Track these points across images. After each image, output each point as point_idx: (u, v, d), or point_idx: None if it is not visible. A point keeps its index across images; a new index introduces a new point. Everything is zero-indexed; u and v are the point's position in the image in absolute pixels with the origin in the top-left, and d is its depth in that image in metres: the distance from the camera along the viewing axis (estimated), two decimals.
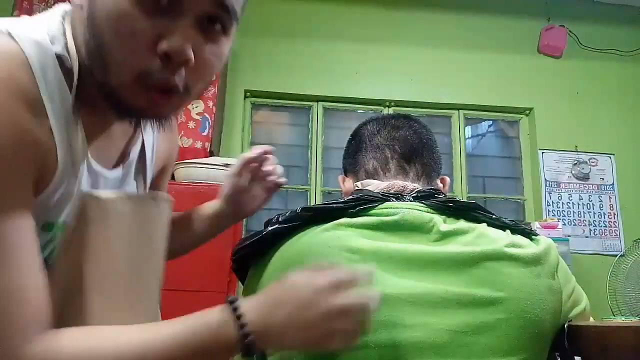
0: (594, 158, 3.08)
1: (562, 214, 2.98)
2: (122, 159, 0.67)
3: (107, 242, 0.58)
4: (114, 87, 0.52)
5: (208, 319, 0.50)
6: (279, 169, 0.88)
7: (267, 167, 0.86)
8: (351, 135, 0.86)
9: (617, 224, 3.01)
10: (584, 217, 3.00)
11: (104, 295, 0.58)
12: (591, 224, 2.99)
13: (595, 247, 2.93)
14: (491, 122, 3.24)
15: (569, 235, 2.83)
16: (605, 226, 3.00)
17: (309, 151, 3.01)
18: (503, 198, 3.08)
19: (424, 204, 0.69)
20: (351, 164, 0.83)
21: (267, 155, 0.86)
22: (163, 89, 0.53)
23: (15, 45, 0.49)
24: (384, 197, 0.69)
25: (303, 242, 0.65)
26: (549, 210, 2.96)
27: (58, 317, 0.50)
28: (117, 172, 0.65)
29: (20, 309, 0.47)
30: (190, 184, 2.11)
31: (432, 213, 0.67)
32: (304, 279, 0.52)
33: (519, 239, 0.67)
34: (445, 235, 0.65)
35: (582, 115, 3.11)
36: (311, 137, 3.03)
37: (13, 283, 0.46)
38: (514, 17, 3.25)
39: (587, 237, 2.96)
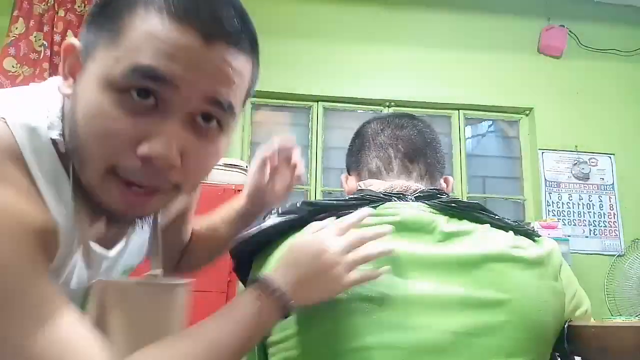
0: (594, 158, 3.08)
1: (562, 214, 2.97)
2: (122, 236, 0.65)
3: (122, 325, 0.57)
4: (90, 184, 0.49)
5: (250, 305, 0.55)
6: (300, 163, 0.82)
7: (295, 159, 0.80)
8: (355, 134, 0.85)
9: (617, 224, 3.00)
10: (584, 217, 3.00)
11: None
12: (591, 224, 2.99)
13: (595, 247, 2.93)
14: (491, 122, 3.24)
15: (569, 235, 2.83)
16: (605, 226, 3.00)
17: (309, 151, 3.01)
18: (503, 198, 3.07)
19: (426, 204, 0.68)
20: (354, 162, 0.82)
21: (288, 147, 0.80)
22: (141, 188, 0.49)
23: (7, 133, 0.47)
24: (386, 197, 0.68)
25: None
26: (549, 210, 2.96)
27: None
28: (117, 248, 0.64)
29: (84, 349, 0.46)
30: None
31: (434, 213, 0.66)
32: (309, 238, 0.60)
33: (523, 240, 0.66)
34: (448, 236, 0.64)
35: (582, 115, 3.11)
36: (311, 137, 3.03)
37: (69, 333, 0.46)
38: (514, 17, 3.25)
39: (587, 237, 2.96)
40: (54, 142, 0.50)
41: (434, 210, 0.67)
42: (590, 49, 3.22)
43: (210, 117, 0.50)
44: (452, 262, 0.61)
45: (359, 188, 0.76)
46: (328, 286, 0.57)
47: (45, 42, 2.68)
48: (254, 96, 3.00)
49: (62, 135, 0.51)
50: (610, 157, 3.09)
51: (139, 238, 0.69)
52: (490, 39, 3.18)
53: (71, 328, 0.46)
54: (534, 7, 3.25)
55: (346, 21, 3.12)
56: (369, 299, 0.59)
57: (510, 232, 0.67)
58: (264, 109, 3.10)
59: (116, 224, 0.56)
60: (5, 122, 0.47)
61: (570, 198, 3.02)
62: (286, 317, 0.57)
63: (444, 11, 3.22)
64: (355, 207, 0.66)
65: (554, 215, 2.94)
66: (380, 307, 0.58)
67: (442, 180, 0.80)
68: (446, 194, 0.72)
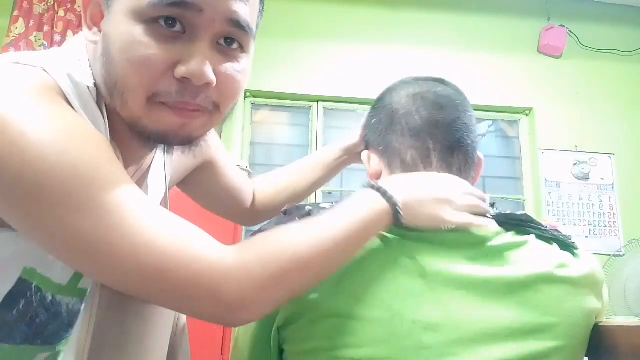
0: (594, 158, 3.08)
1: (562, 214, 2.97)
2: (141, 182, 0.67)
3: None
4: (134, 116, 0.52)
5: (363, 202, 0.56)
6: None
7: None
8: (377, 103, 0.74)
9: (617, 224, 3.00)
10: (584, 217, 3.00)
11: None
12: (591, 224, 2.99)
13: (595, 247, 2.92)
14: (491, 122, 3.23)
15: (570, 236, 2.82)
16: (605, 226, 2.99)
17: (309, 151, 3.01)
18: (503, 198, 3.07)
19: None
20: (378, 143, 0.71)
21: None
22: (185, 109, 0.52)
23: (52, 80, 0.49)
24: None
25: None
26: (549, 210, 2.96)
27: None
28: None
29: (195, 233, 0.48)
30: None
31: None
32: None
33: (566, 256, 0.62)
34: (496, 252, 0.59)
35: (582, 115, 3.11)
36: (311, 137, 3.03)
37: (174, 221, 0.48)
38: (514, 17, 3.25)
39: (587, 237, 2.96)
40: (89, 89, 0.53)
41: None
42: (590, 49, 3.22)
43: (232, 39, 0.54)
44: (501, 283, 0.57)
45: None
46: (436, 214, 0.59)
47: (45, 42, 2.68)
48: (254, 96, 3.01)
49: (94, 84, 0.54)
50: (610, 157, 3.09)
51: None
52: (490, 39, 3.18)
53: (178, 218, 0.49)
54: (534, 7, 3.25)
55: (346, 21, 3.12)
56: (420, 323, 0.54)
57: (555, 245, 0.63)
58: (264, 109, 3.10)
59: (162, 146, 0.59)
60: (46, 72, 0.50)
61: (570, 198, 3.01)
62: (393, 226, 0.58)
63: (444, 11, 3.22)
64: None
65: (554, 215, 2.94)
66: (429, 331, 0.54)
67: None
68: (491, 203, 0.67)
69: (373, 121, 0.74)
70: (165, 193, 0.71)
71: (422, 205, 0.59)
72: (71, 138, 0.45)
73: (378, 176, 0.71)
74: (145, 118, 0.52)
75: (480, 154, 0.73)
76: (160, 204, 0.69)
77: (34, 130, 0.43)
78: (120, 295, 0.52)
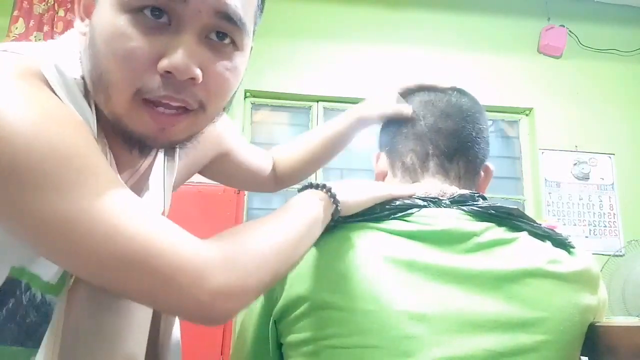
0: (594, 158, 3.08)
1: (562, 214, 2.97)
2: (140, 185, 0.64)
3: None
4: (116, 113, 0.50)
5: (308, 199, 0.60)
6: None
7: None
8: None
9: (617, 224, 3.00)
10: (584, 217, 3.00)
11: None
12: (591, 224, 2.99)
13: (595, 247, 2.92)
14: (491, 122, 3.23)
15: (569, 235, 2.82)
16: (605, 226, 3.00)
17: None
18: (503, 198, 3.07)
19: (462, 210, 0.63)
20: (387, 144, 0.76)
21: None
22: (169, 107, 0.50)
23: (37, 68, 0.48)
24: (421, 205, 0.64)
25: (333, 244, 0.62)
26: (549, 210, 2.96)
27: None
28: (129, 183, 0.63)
29: (171, 230, 0.46)
30: (191, 183, 2.10)
31: (471, 220, 0.62)
32: None
33: (560, 253, 0.62)
34: (485, 246, 0.60)
35: (582, 115, 3.11)
36: None
37: (154, 218, 0.46)
38: (514, 17, 3.25)
39: (587, 237, 2.96)
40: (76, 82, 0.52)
41: (471, 217, 0.63)
42: (590, 49, 3.22)
43: (224, 34, 0.51)
44: (488, 276, 0.58)
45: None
46: (368, 189, 0.65)
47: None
48: (254, 96, 3.01)
49: (82, 77, 0.53)
50: (610, 157, 3.09)
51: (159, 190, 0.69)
52: (490, 39, 3.18)
53: (154, 214, 0.47)
54: (534, 7, 3.26)
55: (346, 21, 3.12)
56: (407, 313, 0.55)
57: (548, 243, 0.63)
58: (263, 109, 3.10)
59: (146, 152, 0.57)
60: (33, 60, 0.48)
61: (570, 198, 3.02)
62: (334, 220, 0.62)
63: (444, 11, 3.22)
64: (388, 216, 0.63)
65: (554, 215, 2.94)
66: (415, 322, 0.55)
67: (482, 171, 0.75)
68: (483, 196, 0.67)
69: (387, 122, 0.78)
70: (163, 196, 0.69)
71: (353, 188, 0.65)
72: (51, 120, 0.44)
73: (383, 176, 0.75)
74: (126, 117, 0.50)
75: (490, 165, 0.75)
76: (161, 207, 0.68)
77: (12, 110, 0.42)
78: (94, 291, 0.51)
